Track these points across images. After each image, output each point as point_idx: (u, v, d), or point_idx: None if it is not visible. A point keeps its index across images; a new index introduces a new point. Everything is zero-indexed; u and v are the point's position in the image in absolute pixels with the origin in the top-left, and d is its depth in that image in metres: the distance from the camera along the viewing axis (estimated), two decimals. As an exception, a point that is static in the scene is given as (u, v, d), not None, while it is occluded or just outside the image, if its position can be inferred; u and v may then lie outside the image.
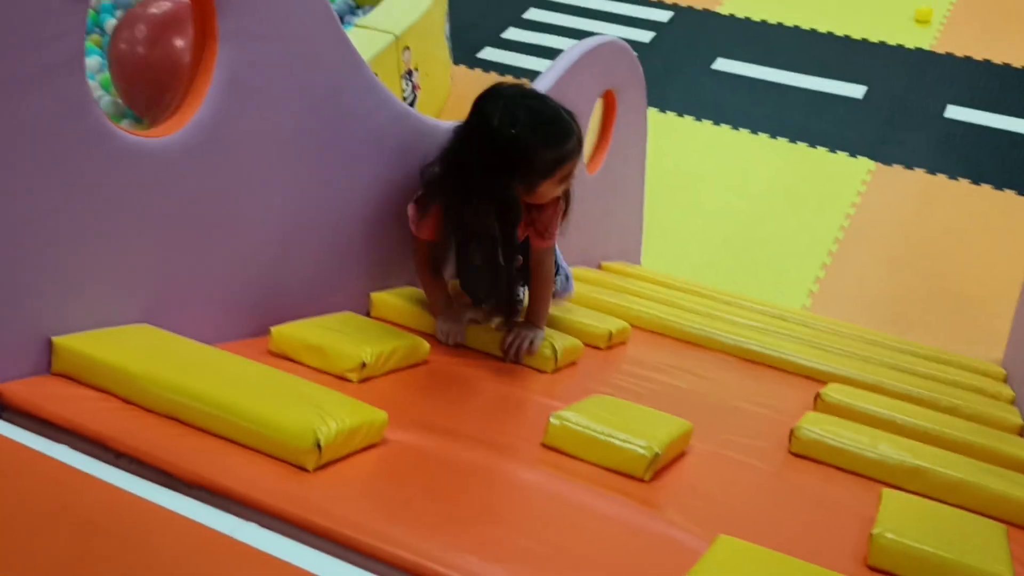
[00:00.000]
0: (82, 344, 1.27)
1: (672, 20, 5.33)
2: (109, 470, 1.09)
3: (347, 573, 0.97)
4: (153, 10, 3.47)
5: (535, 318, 1.91)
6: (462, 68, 4.84)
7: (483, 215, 1.75)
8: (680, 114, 4.60)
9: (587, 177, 2.94)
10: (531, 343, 1.84)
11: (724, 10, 5.39)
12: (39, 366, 1.27)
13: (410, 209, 1.84)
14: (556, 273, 2.07)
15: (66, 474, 1.06)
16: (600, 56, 2.73)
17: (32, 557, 0.94)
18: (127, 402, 1.23)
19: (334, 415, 1.19)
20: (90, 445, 1.15)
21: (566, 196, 1.88)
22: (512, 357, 1.85)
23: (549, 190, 1.78)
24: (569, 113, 1.79)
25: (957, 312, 3.53)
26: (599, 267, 3.23)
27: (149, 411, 1.22)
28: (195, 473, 1.11)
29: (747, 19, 5.32)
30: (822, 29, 5.19)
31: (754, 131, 4.48)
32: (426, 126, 1.96)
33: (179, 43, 3.34)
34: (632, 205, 3.53)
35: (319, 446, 1.14)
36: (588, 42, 2.69)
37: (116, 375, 1.24)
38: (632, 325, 2.40)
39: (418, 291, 1.99)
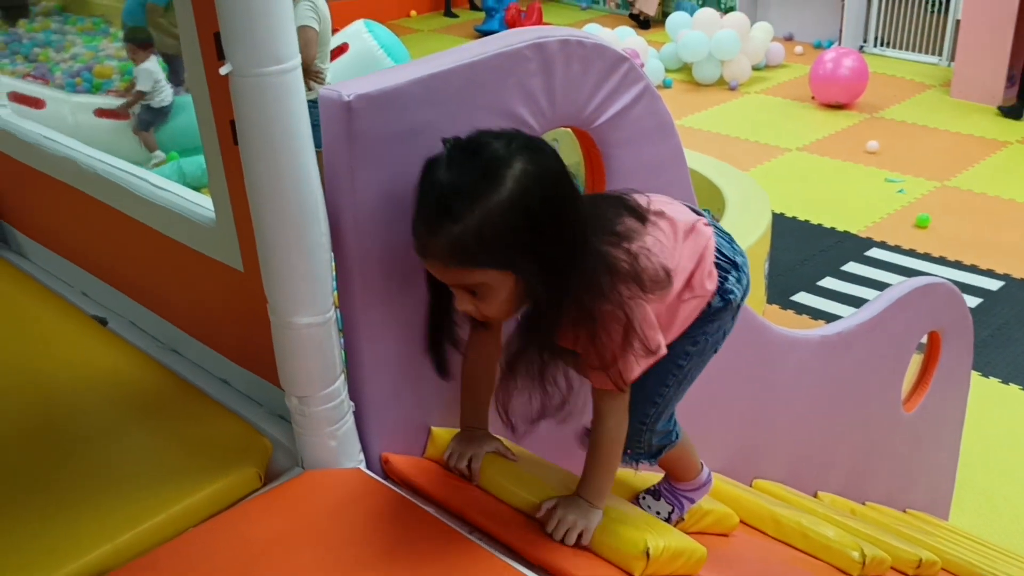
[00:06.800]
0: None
1: (1002, 289, 5.19)
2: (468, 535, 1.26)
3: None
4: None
5: (587, 491, 1.33)
6: (774, 308, 4.97)
7: None
8: (1005, 382, 4.41)
9: (902, 415, 2.90)
10: (579, 535, 1.28)
11: (1063, 285, 5.18)
12: (415, 448, 1.49)
13: None
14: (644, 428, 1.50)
15: (436, 526, 1.24)
16: (930, 295, 2.76)
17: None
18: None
19: (664, 536, 1.30)
20: (451, 517, 1.32)
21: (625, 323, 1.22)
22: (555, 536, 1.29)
23: None
24: (502, 160, 1.14)
25: None
26: (904, 512, 3.10)
27: (499, 500, 1.38)
28: (539, 557, 1.24)
29: (1090, 297, 5.07)
30: None
31: (1092, 408, 4.19)
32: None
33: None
34: (946, 457, 3.38)
35: (648, 555, 1.24)
36: (920, 279, 2.74)
37: (477, 466, 1.42)
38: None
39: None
